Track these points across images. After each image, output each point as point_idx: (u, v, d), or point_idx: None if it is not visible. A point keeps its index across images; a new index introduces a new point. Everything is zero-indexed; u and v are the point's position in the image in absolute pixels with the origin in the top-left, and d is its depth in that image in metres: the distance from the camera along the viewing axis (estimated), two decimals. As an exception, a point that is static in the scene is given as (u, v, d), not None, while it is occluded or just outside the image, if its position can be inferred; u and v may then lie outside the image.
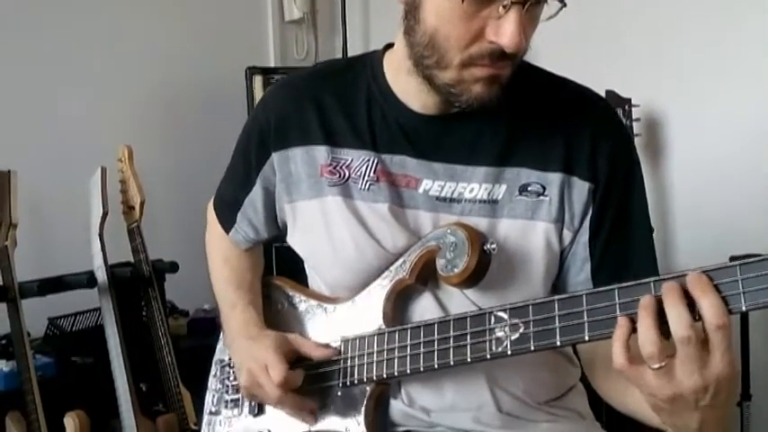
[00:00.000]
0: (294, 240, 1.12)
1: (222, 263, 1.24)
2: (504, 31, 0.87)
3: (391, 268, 1.02)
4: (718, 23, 2.17)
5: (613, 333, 0.77)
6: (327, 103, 1.07)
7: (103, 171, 2.08)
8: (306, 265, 1.15)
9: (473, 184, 1.00)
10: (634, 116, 2.16)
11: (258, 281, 1.23)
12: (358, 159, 1.04)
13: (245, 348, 1.10)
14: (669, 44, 2.26)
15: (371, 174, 1.03)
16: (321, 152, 1.06)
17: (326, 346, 1.06)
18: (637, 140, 2.15)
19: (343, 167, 1.05)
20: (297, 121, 1.08)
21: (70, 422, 1.89)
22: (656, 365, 0.74)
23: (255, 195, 1.15)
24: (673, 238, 2.29)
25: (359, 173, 1.04)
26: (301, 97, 1.08)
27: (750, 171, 2.14)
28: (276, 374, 1.02)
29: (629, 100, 2.13)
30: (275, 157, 1.10)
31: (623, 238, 1.01)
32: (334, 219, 1.04)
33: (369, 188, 1.03)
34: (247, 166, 1.14)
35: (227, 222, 1.21)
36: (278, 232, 1.18)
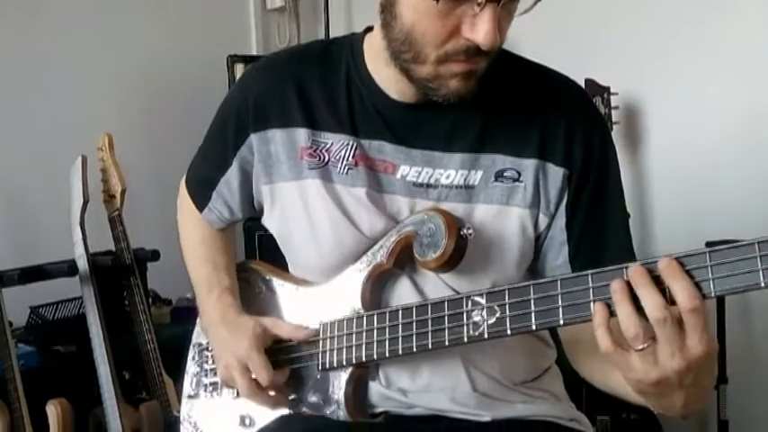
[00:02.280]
0: (271, 222, 1.12)
1: (197, 242, 1.23)
2: (480, 29, 0.88)
3: (368, 253, 1.03)
4: (698, 11, 2.19)
5: (593, 319, 0.79)
6: (308, 85, 1.07)
7: (84, 160, 2.07)
8: (280, 246, 1.14)
9: (450, 171, 1.01)
10: (613, 104, 2.17)
11: (233, 262, 1.23)
12: (338, 143, 1.05)
13: (222, 339, 1.11)
14: (648, 32, 2.28)
15: (350, 158, 1.04)
16: (301, 134, 1.06)
17: (304, 327, 1.07)
18: (615, 128, 2.17)
19: (323, 151, 1.05)
20: (277, 103, 1.08)
21: (52, 410, 1.89)
22: (640, 346, 0.76)
23: (231, 176, 1.14)
24: (650, 224, 2.31)
25: (338, 157, 1.04)
26: (282, 78, 1.08)
27: (727, 158, 2.16)
28: (263, 377, 1.04)
29: (608, 88, 2.15)
30: (254, 138, 1.09)
31: (599, 224, 1.02)
32: (312, 202, 1.05)
33: (347, 172, 1.04)
34: (223, 147, 1.13)
35: (202, 201, 1.20)
36: (253, 213, 1.18)
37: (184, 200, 1.25)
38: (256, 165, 1.10)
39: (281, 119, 1.07)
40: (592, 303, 0.80)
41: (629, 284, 0.77)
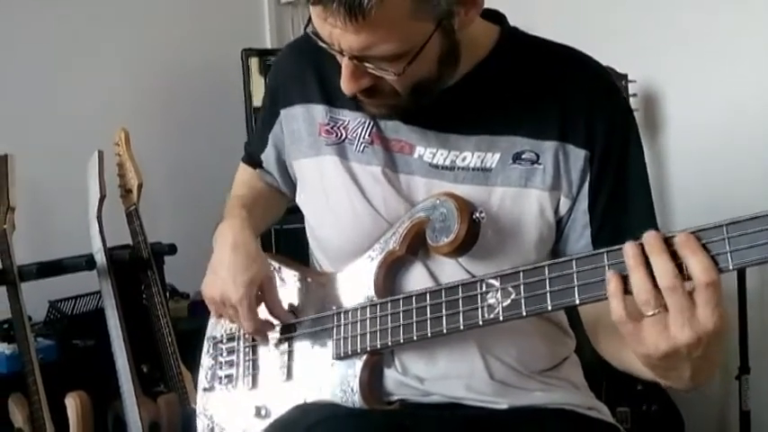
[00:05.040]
0: (300, 199, 1.14)
1: (240, 185, 1.26)
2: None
3: (381, 240, 1.02)
4: (715, -3, 2.16)
5: (607, 288, 0.78)
6: (327, 63, 1.06)
7: (100, 154, 2.09)
8: (306, 228, 1.14)
9: (465, 153, 1.01)
10: (631, 92, 2.15)
11: (262, 211, 1.21)
12: (354, 121, 1.06)
13: (222, 261, 1.07)
14: (665, 19, 2.25)
15: (366, 136, 1.04)
16: (319, 111, 1.08)
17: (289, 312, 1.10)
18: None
19: (341, 128, 1.07)
20: (299, 80, 1.10)
21: (71, 403, 1.90)
22: (651, 312, 0.75)
23: (269, 153, 1.19)
24: (671, 211, 2.29)
25: (355, 134, 1.05)
26: (303, 57, 1.11)
27: (747, 144, 2.13)
28: (248, 326, 1.06)
29: (626, 75, 2.13)
30: (282, 114, 1.13)
31: (622, 206, 1.01)
32: (330, 178, 1.06)
33: (363, 150, 1.04)
34: (263, 126, 1.19)
35: (256, 167, 1.25)
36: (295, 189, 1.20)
37: (239, 169, 1.30)
38: (286, 141, 1.13)
39: (302, 95, 1.10)
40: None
41: (643, 251, 0.76)
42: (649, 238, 0.76)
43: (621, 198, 1.01)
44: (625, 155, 1.01)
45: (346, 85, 0.91)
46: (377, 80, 0.92)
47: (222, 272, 1.06)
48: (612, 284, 0.78)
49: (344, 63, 0.90)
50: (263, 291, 1.07)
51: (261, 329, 1.08)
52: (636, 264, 0.76)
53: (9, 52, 2.35)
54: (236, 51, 2.71)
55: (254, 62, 2.71)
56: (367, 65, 0.89)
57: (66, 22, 2.47)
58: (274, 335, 1.12)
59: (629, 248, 0.77)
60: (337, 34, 0.85)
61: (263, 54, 2.74)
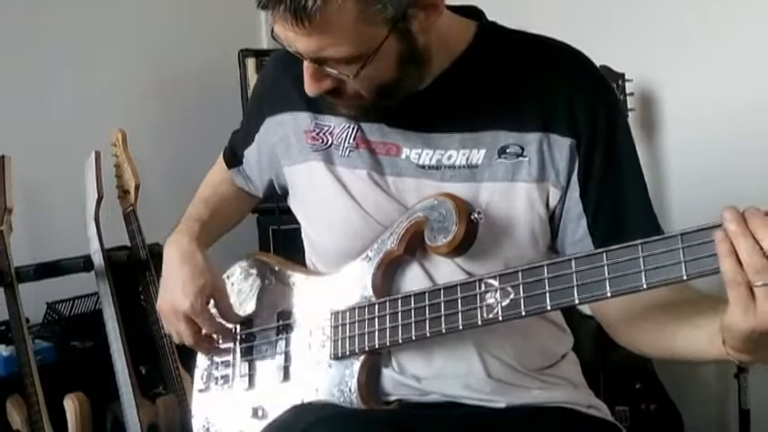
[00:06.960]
0: (292, 204, 1.15)
1: (208, 185, 1.30)
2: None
3: (378, 240, 1.02)
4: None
5: (717, 250, 0.73)
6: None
7: (97, 155, 2.09)
8: (302, 233, 1.16)
9: (451, 151, 1.01)
10: (628, 91, 2.14)
11: (226, 214, 1.27)
12: (339, 126, 1.07)
13: (171, 276, 1.11)
14: (662, 17, 2.25)
15: (351, 141, 1.05)
16: (304, 118, 1.10)
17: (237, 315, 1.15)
18: (631, 115, 2.15)
19: (326, 134, 1.08)
20: (283, 88, 1.12)
21: (70, 404, 1.90)
22: (760, 282, 0.71)
23: (251, 153, 1.21)
24: (668, 211, 2.29)
25: (340, 139, 1.06)
26: (287, 65, 1.10)
27: (745, 145, 2.13)
28: (207, 328, 1.11)
29: (623, 74, 2.12)
30: (270, 121, 1.14)
31: (615, 191, 1.00)
32: (319, 183, 1.07)
33: (348, 155, 1.05)
34: (248, 125, 1.22)
35: (233, 164, 1.28)
36: (269, 193, 1.24)
37: (216, 164, 1.32)
38: (278, 147, 1.14)
39: (287, 104, 1.11)
40: (607, 281, 0.79)
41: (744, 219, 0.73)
42: (751, 209, 0.73)
43: (614, 185, 1.00)
44: (613, 140, 1.00)
45: (308, 87, 0.94)
46: (339, 82, 0.94)
47: (171, 285, 1.10)
48: (726, 245, 0.72)
49: (305, 65, 0.92)
50: (214, 300, 1.11)
51: (219, 329, 1.12)
52: (742, 231, 0.72)
53: (5, 53, 2.34)
54: (232, 52, 2.71)
55: (250, 62, 2.70)
56: (325, 67, 0.91)
57: (62, 23, 2.47)
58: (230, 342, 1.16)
59: (728, 214, 0.73)
60: (291, 37, 0.87)
61: (259, 54, 2.73)
